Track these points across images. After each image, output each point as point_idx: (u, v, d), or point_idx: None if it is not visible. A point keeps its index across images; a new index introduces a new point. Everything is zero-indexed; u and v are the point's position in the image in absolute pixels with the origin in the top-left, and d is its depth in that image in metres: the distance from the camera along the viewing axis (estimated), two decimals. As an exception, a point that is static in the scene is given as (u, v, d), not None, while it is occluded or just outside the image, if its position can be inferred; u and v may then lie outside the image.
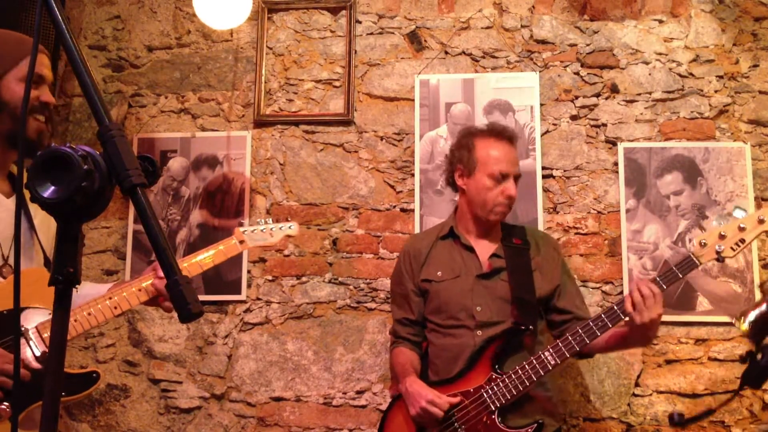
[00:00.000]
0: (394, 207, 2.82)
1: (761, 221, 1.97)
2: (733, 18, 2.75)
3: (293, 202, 2.85)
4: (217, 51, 3.01)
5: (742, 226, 1.97)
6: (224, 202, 2.88)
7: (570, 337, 2.05)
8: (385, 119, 2.88)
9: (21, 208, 1.05)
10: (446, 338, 2.21)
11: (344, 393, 2.72)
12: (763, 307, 1.23)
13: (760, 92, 2.72)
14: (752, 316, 1.22)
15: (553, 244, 2.36)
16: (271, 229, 2.07)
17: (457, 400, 2.08)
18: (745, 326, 1.24)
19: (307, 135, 2.91)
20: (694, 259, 1.99)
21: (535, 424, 2.07)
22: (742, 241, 1.97)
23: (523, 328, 2.13)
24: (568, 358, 2.06)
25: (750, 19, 2.76)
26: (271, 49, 2.97)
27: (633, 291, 1.98)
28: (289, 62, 2.96)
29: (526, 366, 2.06)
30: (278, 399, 2.74)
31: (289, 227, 2.11)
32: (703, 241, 1.98)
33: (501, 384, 2.07)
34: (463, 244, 2.27)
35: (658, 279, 1.99)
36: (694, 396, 2.59)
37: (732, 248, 1.97)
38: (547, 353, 2.06)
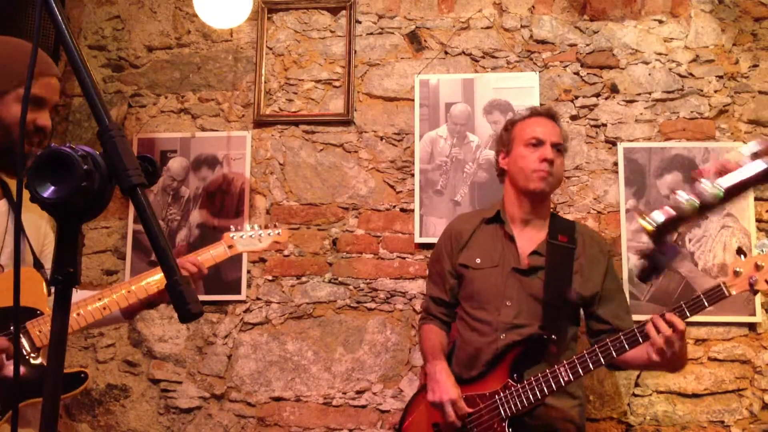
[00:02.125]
0: (394, 207, 2.82)
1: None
2: (733, 18, 2.76)
3: (293, 202, 2.85)
4: (217, 51, 3.01)
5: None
6: (224, 202, 2.88)
7: (586, 356, 2.00)
8: (385, 119, 2.88)
9: (19, 212, 1.05)
10: (472, 333, 2.18)
11: (344, 393, 2.72)
12: (670, 211, 1.23)
13: (760, 92, 2.72)
14: (660, 216, 1.24)
15: (601, 245, 2.26)
16: (260, 234, 2.07)
17: (471, 410, 2.07)
18: (649, 226, 1.26)
19: (307, 135, 2.91)
20: (724, 289, 1.89)
21: None
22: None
23: (546, 336, 2.07)
24: (581, 376, 2.00)
25: (750, 19, 2.77)
26: (271, 49, 2.97)
27: (648, 327, 1.89)
28: (289, 62, 2.96)
29: (540, 378, 2.02)
30: (278, 399, 2.75)
31: (277, 233, 2.11)
32: (738, 269, 1.87)
33: (515, 393, 2.04)
34: (506, 232, 2.21)
35: (683, 307, 1.90)
36: (695, 396, 2.60)
37: (767, 281, 1.86)
38: (562, 368, 2.01)
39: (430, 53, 2.90)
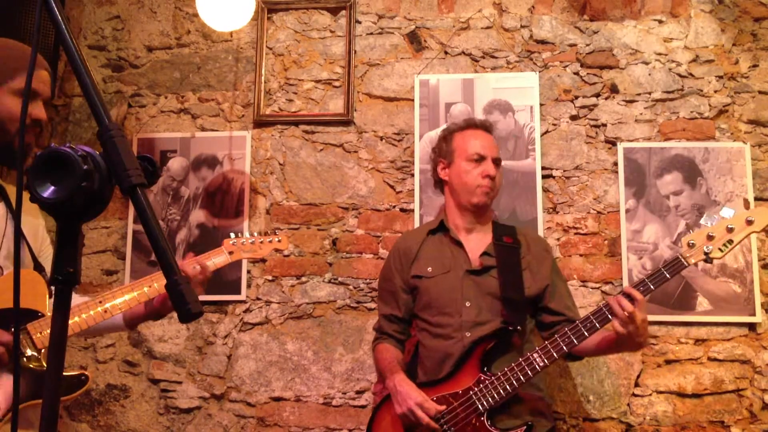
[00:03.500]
0: (394, 207, 2.82)
1: (749, 222, 1.96)
2: (733, 18, 2.76)
3: (293, 202, 2.85)
4: (217, 51, 3.01)
5: (730, 226, 1.96)
6: (224, 203, 2.88)
7: (558, 339, 2.04)
8: (385, 119, 2.88)
9: (20, 212, 1.06)
10: (435, 339, 2.22)
11: (344, 393, 2.72)
12: None
13: (760, 92, 2.72)
14: None
15: (543, 244, 2.37)
16: (261, 241, 2.09)
17: (443, 408, 2.08)
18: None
19: (306, 135, 2.91)
20: (682, 260, 1.98)
21: (525, 426, 2.07)
22: (731, 242, 1.96)
23: (511, 328, 2.12)
24: (556, 359, 2.05)
25: (749, 19, 2.77)
26: (270, 49, 2.97)
27: (611, 301, 1.96)
28: (289, 62, 2.96)
29: (515, 367, 2.06)
30: (278, 399, 2.74)
31: (278, 240, 2.13)
32: (692, 241, 1.98)
33: (490, 385, 2.07)
34: (452, 238, 2.29)
35: (646, 281, 1.98)
36: (694, 396, 2.60)
37: (720, 249, 1.97)
38: (535, 354, 2.05)
39: (430, 53, 2.90)
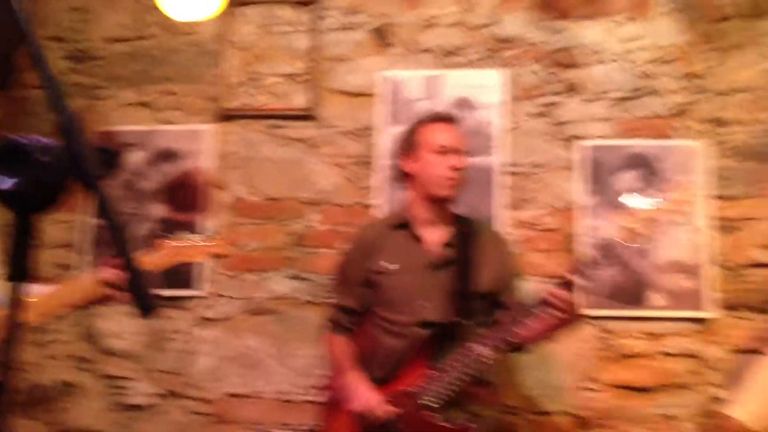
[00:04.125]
0: (358, 203, 2.85)
1: (673, 202, 2.05)
2: (693, 20, 2.86)
3: (255, 197, 2.88)
4: (179, 44, 3.01)
5: (655, 208, 2.04)
6: (185, 197, 2.88)
7: (502, 331, 2.11)
8: (350, 115, 2.92)
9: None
10: (390, 336, 2.25)
11: (303, 389, 2.78)
12: None
13: (717, 93, 2.84)
14: None
15: (502, 239, 2.44)
16: (197, 245, 2.01)
17: (397, 411, 2.12)
18: None
19: (270, 130, 2.93)
20: (616, 242, 2.06)
21: (473, 420, 2.13)
22: (656, 223, 2.05)
23: (461, 323, 2.17)
24: (503, 352, 2.12)
25: (709, 21, 2.89)
26: (234, 43, 2.98)
27: (554, 288, 2.05)
28: (253, 56, 2.97)
29: (462, 362, 2.11)
30: (236, 395, 2.78)
31: (213, 244, 2.05)
32: (621, 224, 2.05)
33: (439, 382, 2.12)
34: (413, 234, 2.32)
35: (578, 265, 2.07)
36: (647, 390, 2.70)
37: (647, 231, 2.04)
38: (483, 348, 2.11)
39: (395, 50, 2.95)
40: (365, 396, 2.16)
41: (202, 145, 2.94)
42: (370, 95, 2.94)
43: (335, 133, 2.94)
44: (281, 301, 2.85)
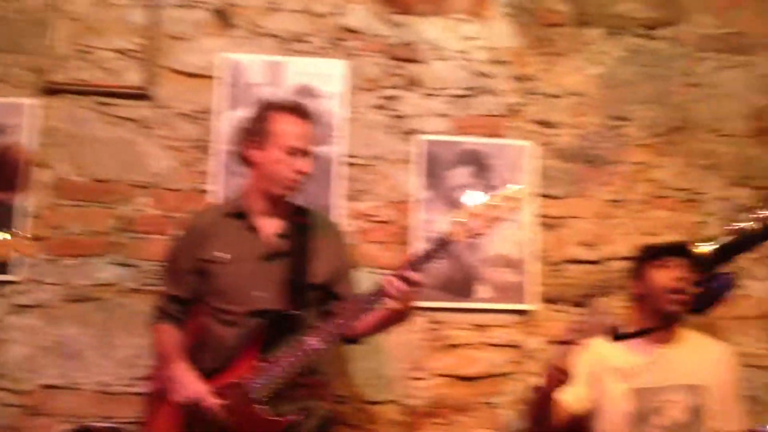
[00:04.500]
0: (192, 188, 2.82)
1: (509, 199, 2.12)
2: (528, 23, 3.01)
3: (81, 178, 2.78)
4: (5, 11, 2.82)
5: (492, 204, 2.11)
6: (3, 175, 2.70)
7: (334, 322, 2.14)
8: (187, 96, 2.88)
9: None
10: (221, 325, 2.24)
11: (124, 380, 2.73)
12: (727, 238, 1.28)
13: (548, 95, 2.99)
14: (712, 245, 1.27)
15: (338, 229, 2.47)
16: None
17: (223, 402, 2.11)
18: (703, 250, 1.28)
19: (100, 107, 2.84)
20: (450, 237, 2.10)
21: (301, 412, 2.15)
22: (493, 219, 2.11)
23: (292, 314, 2.18)
24: (333, 343, 2.16)
25: (544, 25, 3.04)
26: (65, 12, 2.84)
27: (387, 280, 2.08)
28: (85, 28, 2.86)
29: (293, 353, 2.13)
30: (51, 387, 2.69)
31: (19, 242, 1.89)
32: (457, 219, 2.11)
33: (268, 374, 2.13)
34: (249, 223, 2.29)
35: (415, 260, 2.11)
36: (470, 379, 2.85)
37: (483, 226, 2.11)
38: (312, 339, 2.13)
39: (237, 32, 2.92)
40: (190, 387, 2.12)
41: (24, 119, 2.76)
42: (209, 77, 2.89)
43: (171, 114, 2.86)
44: (105, 288, 2.75)
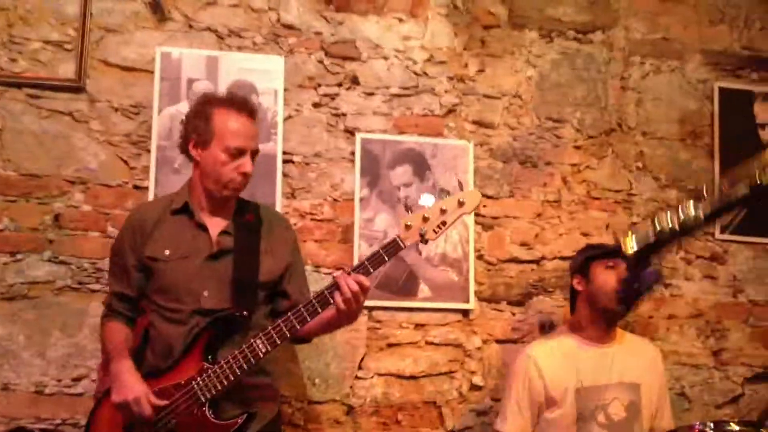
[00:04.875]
0: (127, 183, 3.42)
1: (461, 204, 2.68)
2: (465, 24, 3.74)
3: (11, 172, 3.31)
4: (-74, -3, 3.28)
5: (443, 208, 2.66)
6: (-75, 169, 3.14)
7: (282, 324, 2.56)
8: (122, 90, 3.47)
9: None
10: (167, 323, 2.66)
11: (59, 380, 3.29)
12: (651, 237, 1.56)
13: (485, 96, 3.76)
14: (637, 242, 1.58)
15: (286, 225, 3.02)
16: None
17: (163, 403, 2.51)
18: (630, 250, 1.58)
19: (31, 99, 3.38)
20: (399, 241, 2.58)
21: (246, 414, 2.57)
22: (444, 223, 2.66)
23: (238, 314, 2.61)
24: (279, 345, 2.57)
25: (480, 26, 3.78)
26: (-7, 1, 3.33)
27: (340, 282, 2.50)
28: (15, 18, 3.41)
29: (238, 355, 2.54)
30: None
31: None
32: (408, 223, 2.66)
33: (212, 375, 2.53)
34: (195, 221, 2.73)
35: (366, 263, 2.56)
36: (412, 378, 3.59)
37: (434, 230, 2.64)
38: (258, 341, 2.55)
39: (173, 25, 3.52)
40: (131, 387, 2.53)
41: (-51, 111, 3.24)
42: (144, 71, 3.48)
43: (105, 108, 3.46)
44: (37, 287, 3.27)
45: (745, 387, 3.82)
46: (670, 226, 1.53)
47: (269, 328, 2.57)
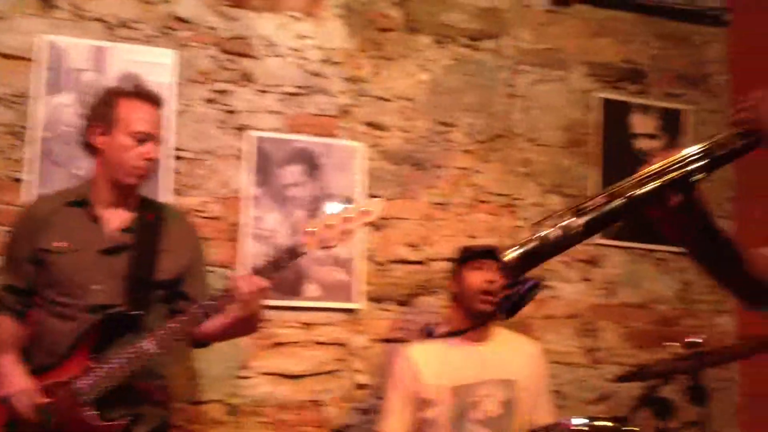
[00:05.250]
0: (7, 176, 3.25)
1: (365, 212, 2.71)
2: (361, 26, 3.74)
3: None
4: None
5: (347, 217, 2.67)
6: None
7: (174, 325, 2.54)
8: (3, 78, 3.35)
9: None
10: (56, 320, 2.61)
11: None
12: (530, 246, 1.55)
13: (378, 98, 3.79)
14: (518, 252, 1.53)
15: (189, 225, 2.98)
16: None
17: (45, 401, 2.46)
18: (509, 257, 1.53)
19: None
20: (300, 248, 2.60)
21: (130, 417, 2.53)
22: (348, 231, 2.67)
23: (128, 314, 2.57)
24: (171, 347, 2.57)
25: (375, 29, 3.80)
26: None
27: (238, 285, 2.52)
28: None
29: (125, 355, 2.50)
30: None
31: None
32: (311, 229, 2.65)
33: (97, 374, 2.49)
34: (91, 213, 2.67)
35: (264, 268, 2.56)
36: (297, 377, 3.57)
37: (337, 238, 2.65)
38: (147, 342, 2.51)
39: (60, 13, 3.43)
40: (13, 382, 2.48)
41: None
42: (27, 59, 3.32)
43: (-17, 96, 3.25)
44: None
45: (616, 385, 3.97)
46: (552, 237, 1.54)
47: (161, 329, 2.53)
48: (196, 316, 2.55)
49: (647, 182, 1.55)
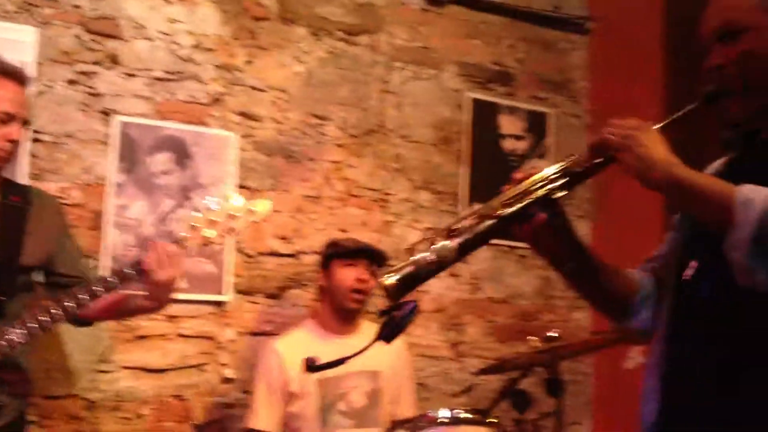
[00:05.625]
0: None
1: (251, 212, 2.64)
2: (235, 13, 3.64)
3: None
4: None
5: (233, 214, 2.60)
6: None
7: (40, 311, 2.42)
8: None
9: None
10: None
11: None
12: (406, 270, 1.61)
13: (252, 87, 3.69)
14: (396, 277, 1.61)
15: (57, 208, 2.83)
16: None
17: None
18: (389, 282, 1.61)
19: None
20: (182, 241, 2.53)
21: None
22: (232, 229, 2.60)
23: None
24: (41, 334, 2.44)
25: (250, 17, 3.70)
26: None
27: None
28: None
29: None
30: None
31: None
32: (194, 224, 2.56)
33: None
34: None
35: (131, 267, 2.48)
36: (160, 371, 3.44)
37: (221, 234, 2.59)
38: (14, 330, 2.37)
39: None
40: None
41: None
42: None
43: None
44: None
45: (479, 378, 4.03)
46: (427, 261, 1.62)
47: (30, 315, 2.38)
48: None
49: (513, 203, 1.67)
